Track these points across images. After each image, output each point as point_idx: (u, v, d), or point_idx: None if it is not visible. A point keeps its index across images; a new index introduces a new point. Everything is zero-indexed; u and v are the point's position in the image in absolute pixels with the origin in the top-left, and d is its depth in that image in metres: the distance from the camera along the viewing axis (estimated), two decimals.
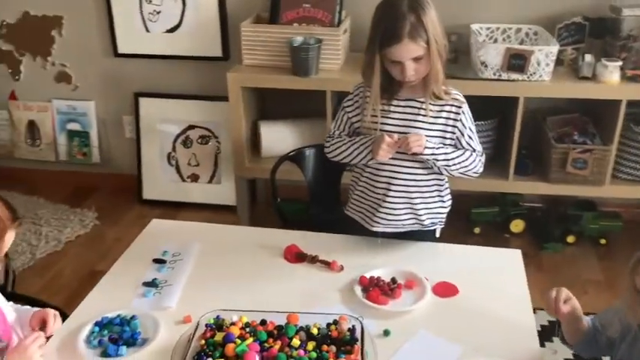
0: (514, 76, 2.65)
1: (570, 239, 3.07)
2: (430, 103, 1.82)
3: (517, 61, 2.60)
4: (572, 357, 2.31)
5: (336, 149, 1.94)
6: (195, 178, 3.46)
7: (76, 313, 1.63)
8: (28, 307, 1.56)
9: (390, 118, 1.84)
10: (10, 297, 2.31)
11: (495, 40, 2.88)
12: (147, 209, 3.43)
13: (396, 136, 1.77)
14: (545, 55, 2.61)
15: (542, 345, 2.32)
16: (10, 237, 1.33)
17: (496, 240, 3.08)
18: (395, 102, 1.84)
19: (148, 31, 3.25)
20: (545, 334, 2.16)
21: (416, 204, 1.89)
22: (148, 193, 3.52)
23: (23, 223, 3.22)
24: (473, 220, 3.18)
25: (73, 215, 3.39)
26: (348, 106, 1.93)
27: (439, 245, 1.95)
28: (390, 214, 1.89)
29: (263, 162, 2.99)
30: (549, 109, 3.02)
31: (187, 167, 3.45)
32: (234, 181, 3.15)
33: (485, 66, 2.66)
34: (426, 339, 1.53)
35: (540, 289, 2.78)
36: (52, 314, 1.50)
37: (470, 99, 2.78)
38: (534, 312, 1.64)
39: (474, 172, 1.90)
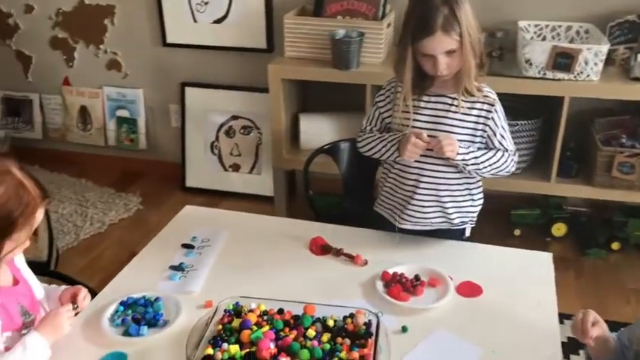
0: (560, 75, 2.56)
1: (615, 246, 2.96)
2: (462, 100, 1.78)
3: (563, 60, 2.51)
4: None
5: (366, 145, 1.93)
6: (236, 167, 3.51)
7: (103, 292, 1.68)
8: (55, 285, 1.62)
9: (421, 114, 1.82)
10: (51, 275, 2.42)
11: (544, 38, 2.79)
12: (189, 197, 3.51)
13: (425, 135, 1.75)
14: (594, 54, 2.52)
15: (574, 354, 2.27)
16: (40, 214, 1.38)
17: (536, 243, 3.00)
18: (426, 97, 1.82)
19: (195, 21, 3.31)
20: (578, 344, 2.10)
21: (445, 202, 1.86)
22: (191, 180, 3.60)
23: (70, 204, 3.37)
24: (513, 221, 3.11)
25: (118, 199, 3.50)
26: (379, 101, 1.92)
27: (467, 244, 1.91)
28: (419, 212, 1.87)
29: (301, 154, 3.00)
30: (598, 111, 2.91)
31: (229, 157, 3.51)
32: (272, 172, 3.18)
33: (530, 64, 2.58)
34: (443, 338, 1.51)
35: (580, 296, 2.73)
36: (83, 291, 1.56)
37: (513, 97, 2.75)
38: (569, 319, 1.57)
39: (506, 172, 1.85)
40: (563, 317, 2.49)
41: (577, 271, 2.89)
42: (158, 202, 3.49)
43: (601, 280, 2.82)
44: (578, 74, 2.55)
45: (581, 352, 2.38)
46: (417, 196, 1.86)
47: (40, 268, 2.56)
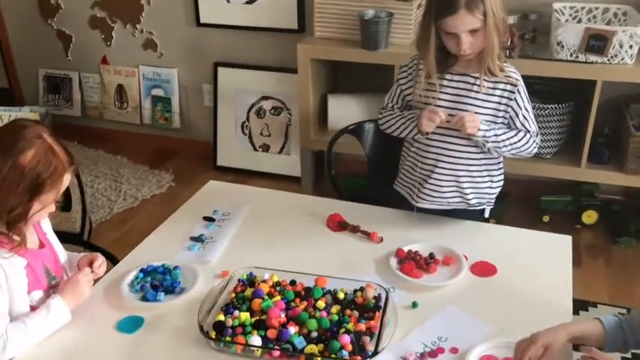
0: (592, 58, 2.51)
1: None
2: (484, 79, 1.77)
3: (597, 43, 2.45)
4: None
5: (386, 122, 1.94)
6: (266, 148, 3.55)
7: (125, 260, 1.75)
8: (76, 253, 1.68)
9: (442, 92, 1.81)
10: (82, 244, 2.50)
11: (579, 21, 2.73)
12: (220, 175, 3.57)
13: (442, 115, 1.74)
14: (629, 36, 2.45)
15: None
16: (67, 179, 1.44)
17: (565, 230, 2.87)
18: (448, 76, 1.81)
19: (228, 1, 3.34)
20: None
21: (462, 182, 1.85)
22: (222, 160, 3.66)
23: (105, 180, 3.47)
24: (543, 207, 3.06)
25: (151, 176, 3.59)
26: (401, 78, 1.92)
27: (485, 225, 1.91)
28: (436, 192, 1.87)
29: (329, 135, 2.97)
30: (634, 96, 2.84)
31: (259, 137, 3.55)
32: (300, 152, 3.21)
33: (562, 46, 2.53)
34: (453, 315, 1.51)
35: (609, 284, 2.69)
36: (99, 258, 1.62)
37: (545, 81, 2.70)
38: (596, 307, 1.51)
39: (527, 154, 1.83)
40: (589, 305, 2.47)
41: (607, 259, 2.84)
42: (190, 180, 3.56)
43: (630, 269, 2.77)
44: (612, 57, 2.49)
45: None
46: (435, 175, 1.86)
47: (72, 239, 2.67)
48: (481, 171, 1.86)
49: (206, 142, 3.72)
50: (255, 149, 3.58)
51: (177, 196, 3.44)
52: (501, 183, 1.93)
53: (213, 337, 1.39)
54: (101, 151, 3.86)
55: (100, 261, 1.59)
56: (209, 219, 1.93)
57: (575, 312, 1.55)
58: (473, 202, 1.89)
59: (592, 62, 2.52)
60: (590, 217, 2.99)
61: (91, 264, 1.58)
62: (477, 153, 1.84)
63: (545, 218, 3.05)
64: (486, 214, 1.97)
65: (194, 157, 3.77)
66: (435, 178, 1.86)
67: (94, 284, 1.58)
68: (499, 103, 1.79)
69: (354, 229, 1.85)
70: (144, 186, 3.49)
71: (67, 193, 2.79)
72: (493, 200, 1.93)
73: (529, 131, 1.82)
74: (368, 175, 2.42)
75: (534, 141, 1.82)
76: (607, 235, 2.97)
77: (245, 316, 1.44)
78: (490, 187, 1.90)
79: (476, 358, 1.37)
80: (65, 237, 2.57)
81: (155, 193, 3.44)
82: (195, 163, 3.72)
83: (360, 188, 3.00)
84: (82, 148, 3.88)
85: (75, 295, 1.50)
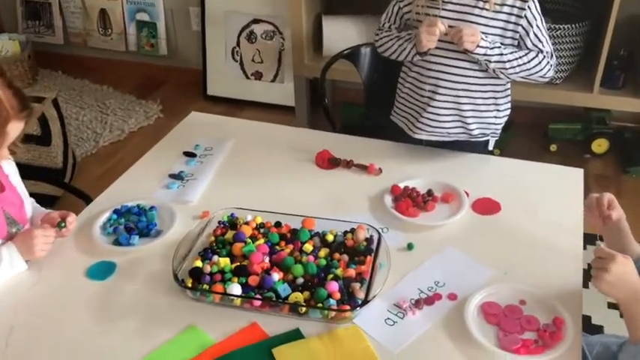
0: None
1: None
2: None
3: None
4: None
5: (383, 44, 1.76)
6: (258, 75, 3.36)
7: (98, 200, 1.61)
8: (44, 209, 1.54)
9: (445, 9, 1.61)
10: (63, 187, 2.35)
11: None
12: (210, 105, 3.40)
13: (442, 25, 1.55)
14: None
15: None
16: (15, 127, 1.27)
17: (573, 160, 2.80)
18: None
19: None
20: None
21: (464, 110, 1.69)
22: (212, 89, 3.47)
23: (91, 111, 3.29)
24: (550, 136, 2.91)
25: (138, 106, 3.42)
26: None
27: (489, 158, 1.76)
28: (434, 121, 1.71)
29: (324, 61, 2.80)
30: None
31: (251, 64, 3.35)
32: (293, 79, 3.02)
33: None
34: (452, 257, 1.39)
35: None
36: (71, 215, 1.46)
37: None
38: (598, 242, 1.41)
39: (540, 77, 1.65)
40: (596, 239, 2.35)
41: (616, 189, 2.70)
42: (178, 111, 3.35)
43: None
44: None
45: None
46: (434, 103, 1.69)
47: (51, 177, 2.52)
48: (486, 98, 1.69)
49: (195, 70, 3.52)
50: (247, 77, 3.38)
51: (165, 127, 3.21)
52: (508, 112, 1.76)
53: (190, 285, 1.27)
54: (86, 80, 3.67)
55: (72, 218, 1.44)
56: (190, 154, 1.79)
57: (583, 247, 1.43)
58: (475, 132, 1.72)
59: None
60: (600, 145, 2.84)
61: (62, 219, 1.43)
62: (481, 77, 1.66)
63: (553, 147, 2.89)
64: (490, 146, 1.81)
65: (183, 86, 3.58)
66: (435, 106, 1.69)
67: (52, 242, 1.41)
68: (507, 21, 1.60)
69: (348, 165, 1.70)
70: (130, 117, 3.32)
71: (45, 127, 2.64)
72: (498, 131, 1.77)
73: (542, 51, 1.63)
74: (365, 104, 2.25)
75: (548, 62, 1.63)
76: (618, 164, 2.83)
77: (225, 261, 1.32)
78: (496, 117, 1.73)
79: (476, 305, 1.25)
80: (44, 174, 2.42)
81: (142, 125, 3.29)
82: (184, 93, 3.54)
83: (357, 118, 2.84)
84: (67, 78, 3.70)
85: (25, 248, 1.35)
